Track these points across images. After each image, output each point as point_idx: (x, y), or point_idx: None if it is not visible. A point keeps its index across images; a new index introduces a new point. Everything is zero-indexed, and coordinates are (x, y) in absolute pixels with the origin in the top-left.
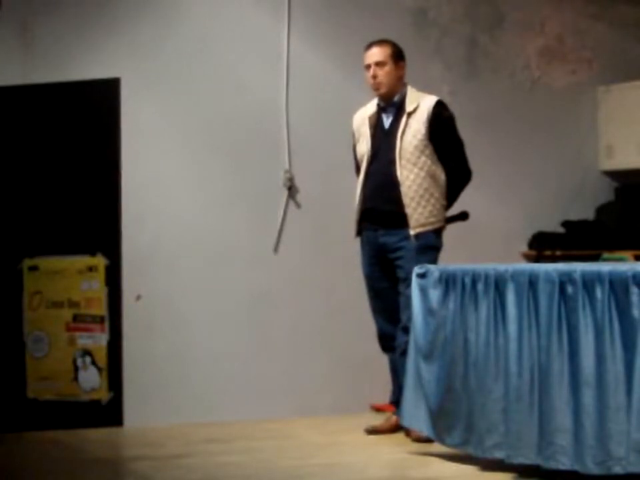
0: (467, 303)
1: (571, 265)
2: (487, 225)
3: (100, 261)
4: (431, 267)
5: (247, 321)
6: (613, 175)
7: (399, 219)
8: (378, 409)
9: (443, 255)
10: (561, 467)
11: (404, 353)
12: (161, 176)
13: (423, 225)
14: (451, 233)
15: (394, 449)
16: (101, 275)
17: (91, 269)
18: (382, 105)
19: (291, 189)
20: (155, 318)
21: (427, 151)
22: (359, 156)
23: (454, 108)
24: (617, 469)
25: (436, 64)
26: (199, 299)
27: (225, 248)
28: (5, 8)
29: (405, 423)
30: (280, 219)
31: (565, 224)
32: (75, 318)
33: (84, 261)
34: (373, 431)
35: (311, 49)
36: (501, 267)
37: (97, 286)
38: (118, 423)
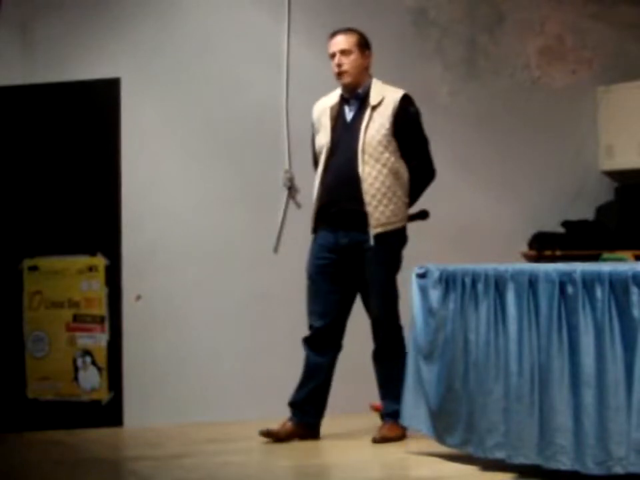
0: (466, 303)
1: (571, 265)
2: (487, 225)
3: (100, 261)
4: (431, 266)
5: (247, 321)
6: (613, 174)
7: (359, 218)
8: (377, 409)
9: (443, 255)
10: (562, 467)
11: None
12: (161, 176)
13: (383, 225)
14: (451, 232)
15: (394, 449)
16: (101, 274)
17: (91, 268)
18: (345, 95)
19: (291, 189)
20: (155, 318)
21: (391, 147)
22: (317, 148)
23: (454, 108)
24: (617, 469)
25: (436, 64)
26: (199, 298)
27: (224, 248)
28: (5, 8)
29: (405, 422)
30: (280, 219)
31: (565, 224)
32: (75, 318)
33: (84, 261)
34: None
35: (310, 48)
36: (501, 267)
37: (97, 286)
38: (118, 423)
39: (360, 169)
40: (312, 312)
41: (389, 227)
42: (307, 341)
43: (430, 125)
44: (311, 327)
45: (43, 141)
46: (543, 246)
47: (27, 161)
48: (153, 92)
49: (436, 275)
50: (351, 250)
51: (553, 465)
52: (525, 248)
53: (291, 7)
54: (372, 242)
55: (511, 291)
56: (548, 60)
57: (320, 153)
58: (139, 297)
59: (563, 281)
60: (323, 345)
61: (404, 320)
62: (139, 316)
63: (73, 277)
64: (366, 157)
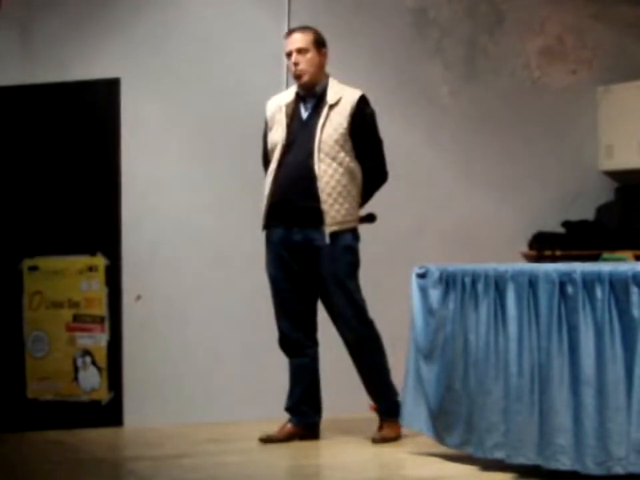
0: (466, 303)
1: (571, 265)
2: (487, 225)
3: (100, 261)
4: (431, 266)
5: (247, 321)
6: (613, 175)
7: (314, 216)
8: (376, 410)
9: (443, 255)
10: (561, 467)
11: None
12: (160, 176)
13: (339, 224)
14: (451, 232)
15: (394, 449)
16: (101, 274)
17: (91, 268)
18: (301, 94)
19: None
20: (155, 318)
21: (347, 147)
22: (270, 145)
23: (454, 108)
24: (617, 469)
25: (436, 64)
26: (199, 298)
27: (225, 248)
28: (5, 8)
29: (405, 422)
30: None
31: (565, 224)
32: (75, 318)
33: (84, 261)
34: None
35: None
36: (501, 267)
37: (97, 286)
38: (118, 423)
39: (316, 167)
40: (278, 315)
41: (344, 226)
42: (281, 346)
43: (430, 124)
44: (280, 331)
45: (43, 141)
46: (542, 246)
47: (27, 161)
48: (153, 92)
49: (436, 275)
50: (304, 247)
51: (553, 465)
52: (525, 248)
53: (291, 7)
54: (327, 240)
55: (511, 291)
56: (548, 60)
57: (273, 150)
58: (138, 297)
59: (563, 281)
60: (298, 346)
61: (404, 320)
62: (138, 316)
63: (73, 276)
64: (322, 155)
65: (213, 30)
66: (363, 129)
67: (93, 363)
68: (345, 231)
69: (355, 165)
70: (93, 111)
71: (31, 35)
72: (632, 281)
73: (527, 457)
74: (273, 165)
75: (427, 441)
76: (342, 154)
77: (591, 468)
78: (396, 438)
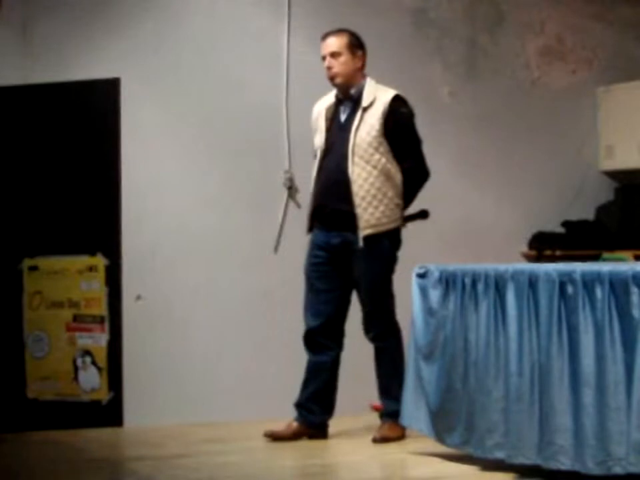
0: (466, 303)
1: (571, 265)
2: (487, 224)
3: (100, 261)
4: (431, 266)
5: (246, 321)
6: (613, 174)
7: (350, 219)
8: (377, 409)
9: (443, 255)
10: (561, 467)
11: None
12: (160, 176)
13: (373, 227)
14: (451, 232)
15: (394, 449)
16: (101, 274)
17: (91, 269)
18: (339, 97)
19: (291, 189)
20: (155, 318)
21: (382, 149)
22: (314, 149)
23: (454, 108)
24: (617, 469)
25: (436, 64)
26: (199, 299)
27: (224, 248)
28: (5, 8)
29: (405, 422)
30: (280, 219)
31: (565, 224)
32: (75, 318)
33: (84, 261)
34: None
35: (311, 49)
36: (501, 267)
37: (97, 286)
38: (118, 423)
39: (350, 171)
40: (307, 311)
41: (380, 228)
42: (304, 341)
43: (430, 124)
44: (306, 326)
45: (43, 141)
46: (542, 246)
47: (27, 161)
48: (153, 92)
49: (436, 275)
50: (342, 250)
51: (553, 465)
52: (524, 248)
53: (291, 7)
54: (361, 243)
55: (510, 291)
56: (548, 60)
57: (316, 154)
58: (138, 297)
59: (563, 281)
60: (320, 344)
61: (404, 320)
62: (138, 316)
63: (73, 277)
64: (356, 158)
65: (212, 30)
66: (397, 129)
67: (93, 362)
68: (381, 235)
69: (392, 166)
70: (93, 111)
71: (31, 35)
72: (632, 281)
73: (527, 457)
74: (315, 170)
75: (427, 441)
76: (376, 156)
77: (591, 468)
78: (397, 438)
